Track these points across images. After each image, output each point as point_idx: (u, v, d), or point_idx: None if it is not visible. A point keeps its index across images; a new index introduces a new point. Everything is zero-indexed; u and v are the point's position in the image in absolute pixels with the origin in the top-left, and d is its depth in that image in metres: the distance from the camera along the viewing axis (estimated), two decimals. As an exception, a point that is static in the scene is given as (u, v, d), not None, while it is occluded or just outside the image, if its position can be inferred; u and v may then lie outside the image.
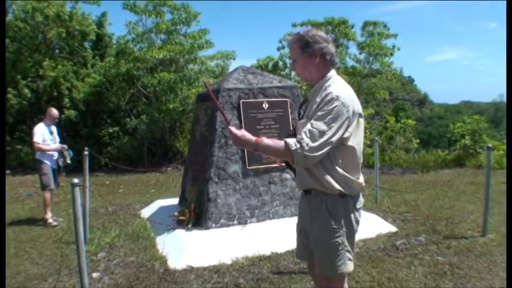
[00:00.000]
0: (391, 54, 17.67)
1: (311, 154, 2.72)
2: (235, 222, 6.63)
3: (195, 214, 6.64)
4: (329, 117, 2.76)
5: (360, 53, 18.06)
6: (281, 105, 7.08)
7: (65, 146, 8.18)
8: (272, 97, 7.06)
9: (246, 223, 6.66)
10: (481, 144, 14.10)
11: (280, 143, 2.81)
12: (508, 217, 5.69)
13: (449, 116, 53.85)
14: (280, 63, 19.25)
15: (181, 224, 6.62)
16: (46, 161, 7.91)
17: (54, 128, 8.19)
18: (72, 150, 8.31)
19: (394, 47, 17.73)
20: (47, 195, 7.94)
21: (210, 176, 6.62)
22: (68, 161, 8.16)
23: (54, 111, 8.23)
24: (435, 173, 13.22)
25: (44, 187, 7.96)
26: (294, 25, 18.37)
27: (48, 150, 7.94)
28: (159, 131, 16.25)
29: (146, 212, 8.37)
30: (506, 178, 6.17)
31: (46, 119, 8.13)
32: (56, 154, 8.04)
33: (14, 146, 15.64)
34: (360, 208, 3.06)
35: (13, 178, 13.95)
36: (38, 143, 7.82)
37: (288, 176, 6.98)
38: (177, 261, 5.60)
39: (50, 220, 7.85)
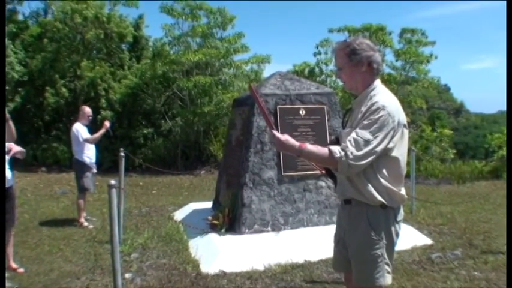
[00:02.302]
0: (428, 62, 17.42)
1: (355, 163, 2.68)
2: (269, 228, 6.59)
3: (229, 219, 6.62)
4: (374, 126, 2.71)
5: (397, 60, 17.86)
6: (318, 112, 7.01)
7: (107, 124, 8.23)
8: (309, 104, 7.00)
9: (279, 230, 6.60)
10: (519, 156, 13.72)
11: (324, 150, 2.76)
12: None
13: (486, 126, 52.66)
14: (317, 69, 19.14)
15: (214, 228, 6.60)
16: (87, 164, 7.87)
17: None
18: (107, 150, 8.38)
19: (432, 55, 17.48)
20: (81, 200, 7.92)
21: (244, 181, 6.59)
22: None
23: (88, 109, 8.17)
24: (471, 184, 12.94)
25: (83, 190, 7.91)
26: (331, 31, 18.28)
27: (100, 137, 8.02)
28: (194, 134, 16.35)
29: (179, 215, 8.40)
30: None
31: (80, 118, 8.04)
32: (93, 157, 8.05)
33: (51, 144, 15.94)
34: (400, 220, 3.00)
35: (48, 175, 14.25)
36: (87, 138, 7.83)
37: (323, 184, 6.91)
38: (209, 266, 5.59)
39: (86, 223, 7.86)
